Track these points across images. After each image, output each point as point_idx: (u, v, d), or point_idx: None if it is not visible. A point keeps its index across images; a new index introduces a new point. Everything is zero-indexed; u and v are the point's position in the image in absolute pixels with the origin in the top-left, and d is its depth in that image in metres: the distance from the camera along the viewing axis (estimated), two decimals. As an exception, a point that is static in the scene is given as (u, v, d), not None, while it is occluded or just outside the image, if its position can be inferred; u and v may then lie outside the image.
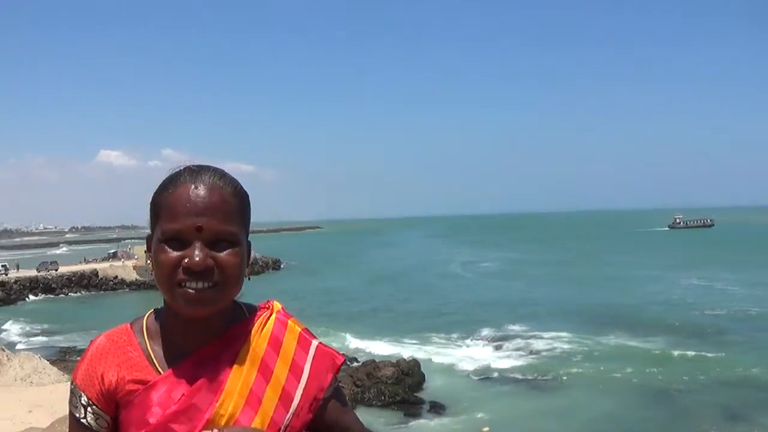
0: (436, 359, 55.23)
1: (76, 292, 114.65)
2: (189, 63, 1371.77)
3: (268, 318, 2.85)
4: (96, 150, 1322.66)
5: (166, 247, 2.40)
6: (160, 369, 2.53)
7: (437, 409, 43.34)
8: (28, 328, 79.00)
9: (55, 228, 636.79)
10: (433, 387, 47.66)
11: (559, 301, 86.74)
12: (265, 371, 2.65)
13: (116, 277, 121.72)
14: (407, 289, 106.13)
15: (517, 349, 59.66)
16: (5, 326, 79.79)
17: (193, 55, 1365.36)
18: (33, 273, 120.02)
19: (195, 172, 2.48)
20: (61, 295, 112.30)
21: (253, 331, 2.75)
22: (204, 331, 2.59)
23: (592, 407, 42.34)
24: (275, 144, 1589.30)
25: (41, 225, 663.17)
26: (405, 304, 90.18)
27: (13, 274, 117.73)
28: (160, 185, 2.51)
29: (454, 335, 65.00)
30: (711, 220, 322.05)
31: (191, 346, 2.56)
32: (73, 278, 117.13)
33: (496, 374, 51.02)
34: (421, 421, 41.52)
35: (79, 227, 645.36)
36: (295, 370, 2.70)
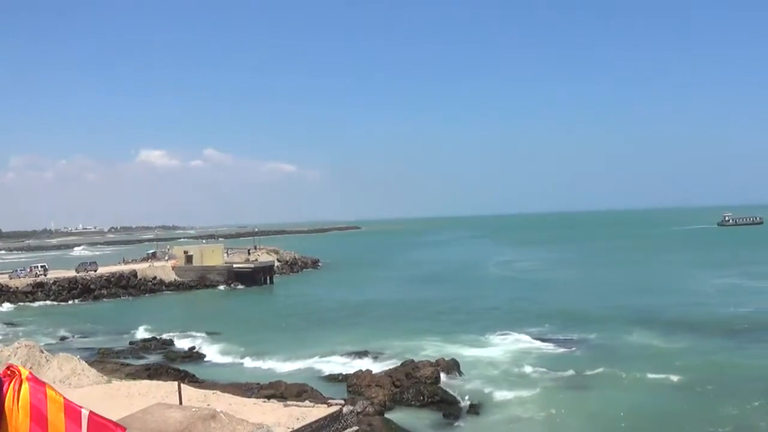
0: (474, 358, 55.19)
1: (114, 295, 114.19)
2: (231, 63, 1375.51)
3: (20, 386, 2.05)
4: (137, 150, 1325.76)
5: None
6: None
7: (475, 408, 43.16)
8: (66, 329, 79.54)
9: (95, 228, 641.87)
10: (471, 386, 47.42)
11: (592, 300, 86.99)
12: None
13: (155, 277, 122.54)
14: (444, 289, 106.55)
15: (551, 348, 60.08)
16: (43, 327, 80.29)
17: (235, 54, 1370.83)
18: (72, 274, 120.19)
19: None
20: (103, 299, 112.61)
21: (6, 407, 1.85)
22: None
23: (622, 404, 42.43)
24: (318, 144, 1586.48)
25: (80, 225, 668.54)
26: (443, 303, 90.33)
27: (51, 275, 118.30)
28: None
29: (492, 335, 65.06)
30: (760, 218, 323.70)
31: None
32: (112, 279, 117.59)
33: (530, 372, 51.06)
34: (460, 421, 41.39)
35: (119, 227, 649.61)
36: None
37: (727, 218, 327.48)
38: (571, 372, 50.35)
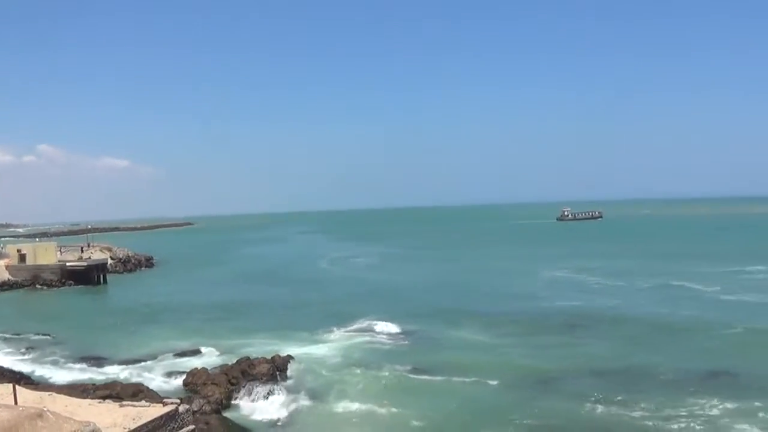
0: (307, 354, 56.54)
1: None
2: (64, 52, 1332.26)
3: None
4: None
5: None
6: None
7: (310, 403, 44.38)
8: None
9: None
10: (305, 381, 48.65)
11: (424, 295, 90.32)
12: None
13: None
14: (278, 286, 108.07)
15: (382, 343, 62.22)
16: None
17: (70, 45, 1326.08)
18: None
19: None
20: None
21: None
22: None
23: (452, 398, 44.32)
24: (151, 140, 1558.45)
25: None
26: (277, 300, 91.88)
27: None
28: None
29: (325, 331, 66.80)
30: (599, 213, 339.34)
31: None
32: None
33: (362, 367, 52.58)
34: (296, 416, 42.43)
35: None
36: None
37: (566, 213, 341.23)
38: (401, 366, 52.33)
